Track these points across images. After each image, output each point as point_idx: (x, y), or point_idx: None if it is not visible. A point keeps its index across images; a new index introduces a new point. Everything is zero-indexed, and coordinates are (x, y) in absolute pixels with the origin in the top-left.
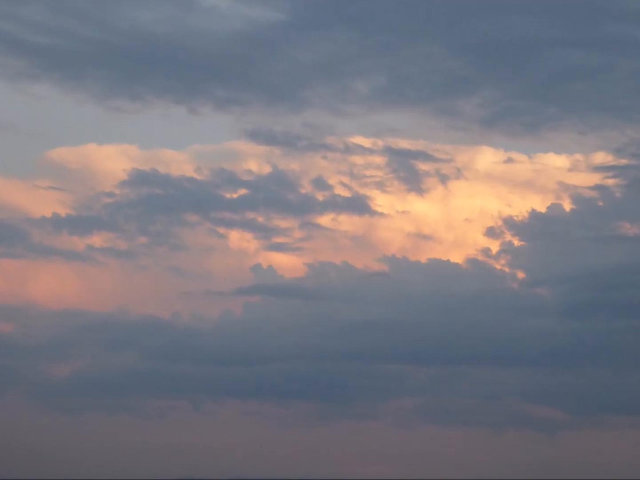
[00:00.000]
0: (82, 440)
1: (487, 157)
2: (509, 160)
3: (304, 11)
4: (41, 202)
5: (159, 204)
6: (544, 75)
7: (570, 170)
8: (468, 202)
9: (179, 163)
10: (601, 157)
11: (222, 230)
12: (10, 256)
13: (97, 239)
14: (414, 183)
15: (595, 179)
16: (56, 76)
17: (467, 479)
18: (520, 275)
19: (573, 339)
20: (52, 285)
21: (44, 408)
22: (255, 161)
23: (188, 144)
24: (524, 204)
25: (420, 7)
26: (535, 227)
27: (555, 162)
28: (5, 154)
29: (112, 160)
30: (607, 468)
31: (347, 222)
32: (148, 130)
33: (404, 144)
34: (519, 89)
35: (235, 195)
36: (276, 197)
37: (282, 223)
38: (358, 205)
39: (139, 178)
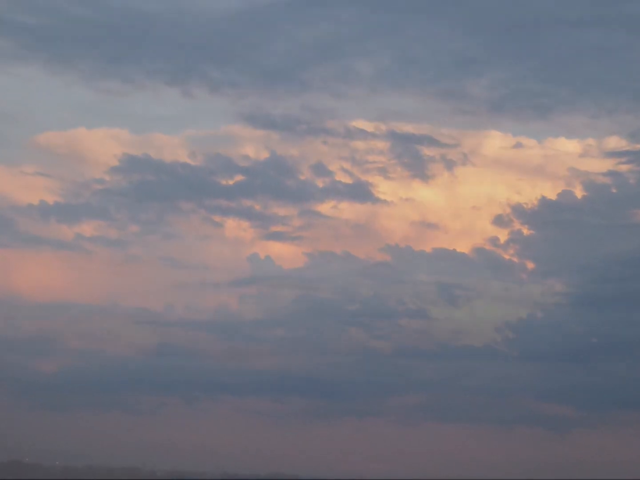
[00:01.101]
0: (72, 438)
1: (495, 142)
2: (518, 145)
3: None
4: (28, 189)
5: (151, 190)
6: (556, 56)
7: (581, 155)
8: (475, 189)
9: (173, 148)
10: (614, 142)
11: (217, 218)
12: None
13: (87, 228)
14: (418, 169)
15: (608, 164)
16: (43, 57)
17: (473, 478)
18: (530, 265)
19: (585, 333)
20: (39, 276)
21: (30, 405)
22: (252, 146)
23: (182, 128)
24: (534, 191)
25: None
26: (545, 215)
27: (567, 147)
28: None
29: (102, 145)
30: (621, 466)
31: (348, 210)
32: (140, 114)
33: (408, 128)
34: (530, 70)
35: (231, 182)
36: (274, 183)
37: (281, 211)
38: (360, 192)
39: (130, 164)
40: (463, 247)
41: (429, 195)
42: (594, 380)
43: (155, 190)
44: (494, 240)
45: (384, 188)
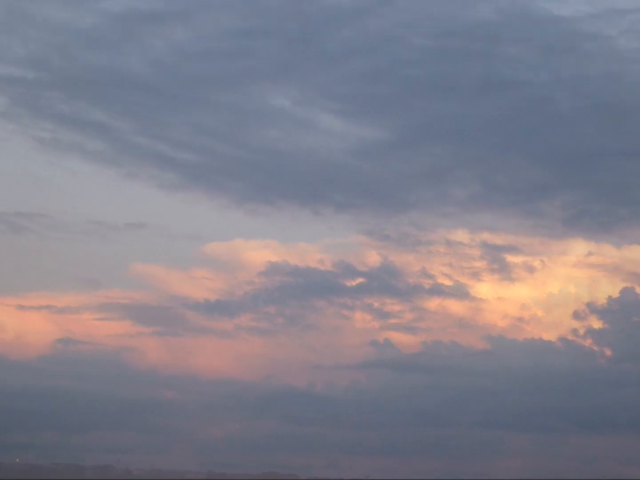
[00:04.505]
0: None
1: (569, 251)
2: (589, 254)
3: (407, 131)
4: (196, 289)
5: (290, 291)
6: (612, 182)
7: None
8: (554, 288)
9: (312, 253)
10: None
11: (345, 312)
12: (173, 334)
13: (244, 319)
14: (505, 273)
15: None
16: (202, 186)
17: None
18: (607, 352)
19: None
20: (208, 359)
21: (202, 462)
22: (370, 253)
23: (319, 238)
24: (603, 291)
25: (504, 124)
26: (614, 311)
27: (625, 254)
28: (167, 251)
29: (256, 252)
30: None
31: (452, 306)
32: (281, 228)
33: (496, 239)
34: (593, 194)
35: (354, 283)
36: (387, 285)
37: (395, 307)
38: (459, 292)
39: (274, 269)
40: (549, 336)
41: (516, 294)
42: None
43: (294, 290)
44: (574, 332)
45: (478, 289)
